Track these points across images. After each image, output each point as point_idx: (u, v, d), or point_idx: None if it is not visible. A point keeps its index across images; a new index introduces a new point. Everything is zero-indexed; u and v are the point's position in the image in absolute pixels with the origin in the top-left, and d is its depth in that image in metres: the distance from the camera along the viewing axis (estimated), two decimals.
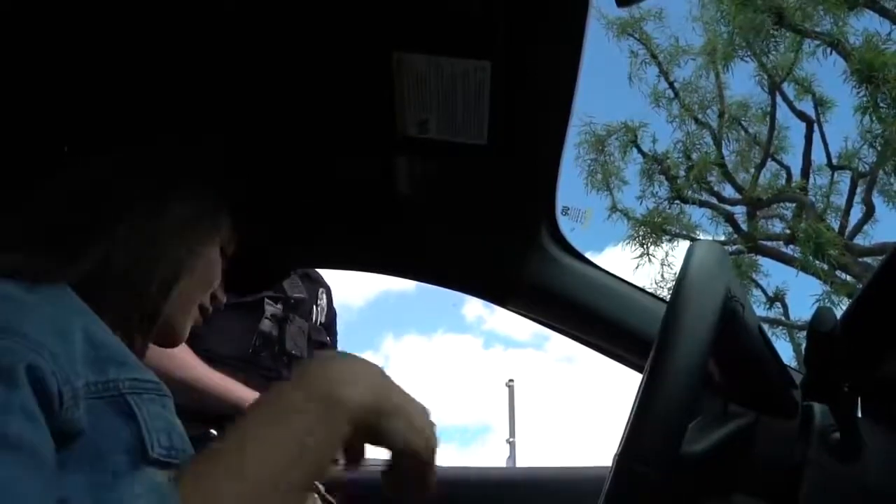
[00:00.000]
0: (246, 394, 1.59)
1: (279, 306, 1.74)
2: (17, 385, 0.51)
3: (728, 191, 8.32)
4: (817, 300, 7.08)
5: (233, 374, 1.62)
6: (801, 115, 7.86)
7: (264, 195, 0.87)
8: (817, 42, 7.18)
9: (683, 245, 8.12)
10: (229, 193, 0.83)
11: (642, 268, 8.20)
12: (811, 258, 7.01)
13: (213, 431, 1.58)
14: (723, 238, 8.14)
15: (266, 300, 1.72)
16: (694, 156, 8.20)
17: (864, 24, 6.90)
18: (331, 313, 1.94)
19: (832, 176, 8.12)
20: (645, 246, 8.17)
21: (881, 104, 6.64)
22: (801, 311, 8.19)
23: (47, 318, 0.57)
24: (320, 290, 1.91)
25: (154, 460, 0.57)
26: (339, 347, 1.99)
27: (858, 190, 7.79)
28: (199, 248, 0.78)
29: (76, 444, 0.54)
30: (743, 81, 10.81)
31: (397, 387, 0.65)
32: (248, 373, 1.66)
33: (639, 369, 1.28)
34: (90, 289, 0.65)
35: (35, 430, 0.51)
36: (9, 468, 0.48)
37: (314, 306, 1.87)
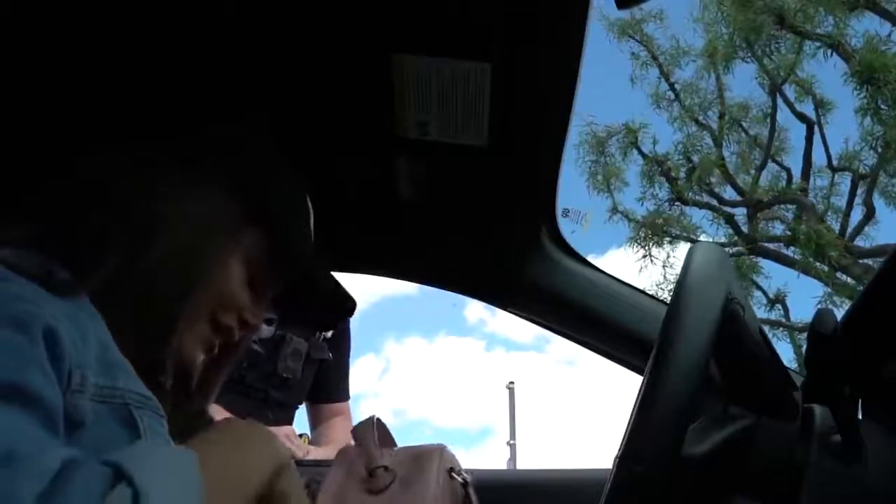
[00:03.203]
0: None
1: (272, 328, 1.69)
2: (35, 341, 0.51)
3: (729, 192, 8.33)
4: (818, 302, 7.08)
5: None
6: (802, 117, 7.86)
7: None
8: (818, 43, 7.19)
9: (684, 247, 8.11)
10: (246, 191, 0.73)
11: (645, 270, 8.20)
12: (812, 260, 7.01)
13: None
14: (723, 240, 8.13)
15: None
16: (694, 158, 8.20)
17: (864, 26, 6.92)
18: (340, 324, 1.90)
19: (833, 177, 8.12)
20: (647, 248, 8.16)
21: (882, 106, 6.65)
22: (802, 312, 8.18)
23: (65, 310, 0.56)
24: None
25: None
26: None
27: (859, 191, 7.79)
28: (212, 250, 0.69)
29: (75, 437, 0.53)
30: (744, 83, 10.79)
31: None
32: (232, 392, 1.63)
33: (639, 371, 1.28)
34: (103, 301, 0.62)
35: (52, 388, 0.51)
36: (24, 423, 0.47)
37: None
